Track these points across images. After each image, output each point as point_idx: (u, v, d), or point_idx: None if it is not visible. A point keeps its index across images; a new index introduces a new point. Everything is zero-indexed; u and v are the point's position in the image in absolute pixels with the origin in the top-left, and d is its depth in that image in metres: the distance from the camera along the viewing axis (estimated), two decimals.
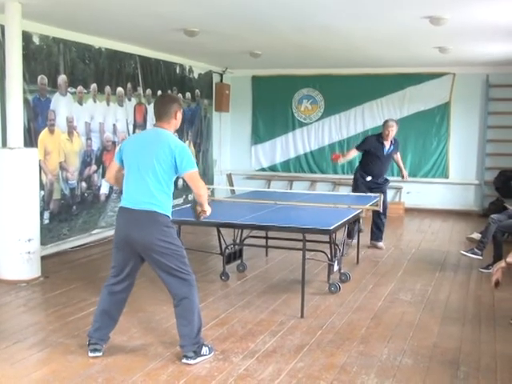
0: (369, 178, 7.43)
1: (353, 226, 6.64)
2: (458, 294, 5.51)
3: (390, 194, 10.42)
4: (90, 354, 3.85)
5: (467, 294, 5.55)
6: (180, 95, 9.51)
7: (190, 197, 8.78)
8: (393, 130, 7.28)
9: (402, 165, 7.84)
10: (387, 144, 7.35)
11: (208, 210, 3.98)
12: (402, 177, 7.79)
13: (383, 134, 7.31)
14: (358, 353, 4.01)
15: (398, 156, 7.73)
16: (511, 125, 9.84)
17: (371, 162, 7.41)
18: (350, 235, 6.46)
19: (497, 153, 10.01)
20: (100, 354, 3.86)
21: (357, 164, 10.85)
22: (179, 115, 3.89)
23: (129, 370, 3.66)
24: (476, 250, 6.83)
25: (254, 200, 6.10)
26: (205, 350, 3.85)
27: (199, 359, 3.80)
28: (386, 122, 7.38)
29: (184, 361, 3.79)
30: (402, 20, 6.00)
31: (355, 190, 7.48)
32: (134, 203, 3.72)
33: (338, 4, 5.40)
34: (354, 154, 7.80)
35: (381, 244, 7.48)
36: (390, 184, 10.53)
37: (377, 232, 7.49)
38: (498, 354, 4.03)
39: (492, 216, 6.65)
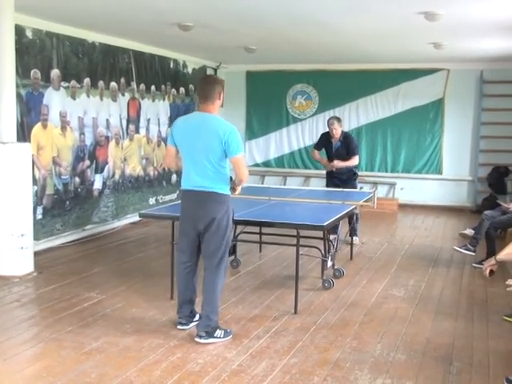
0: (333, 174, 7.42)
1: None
2: (450, 290, 5.53)
3: (383, 190, 10.51)
4: (177, 327, 4.23)
5: (460, 289, 5.58)
6: (173, 90, 9.49)
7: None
8: (335, 128, 7.22)
9: (344, 163, 7.25)
10: (334, 141, 7.34)
11: (238, 191, 4.21)
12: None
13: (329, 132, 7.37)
14: (351, 348, 4.02)
15: (352, 158, 7.25)
16: (505, 121, 9.85)
17: (328, 158, 7.47)
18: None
19: (490, 149, 10.02)
20: (185, 327, 4.21)
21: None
22: (222, 95, 4.08)
23: (122, 365, 3.65)
24: (469, 245, 6.88)
25: (247, 196, 6.08)
26: (219, 332, 4.04)
27: (211, 340, 4.02)
28: (328, 121, 7.45)
29: (196, 339, 4.03)
30: (397, 15, 5.99)
31: (326, 184, 7.56)
32: (195, 185, 4.03)
33: None
34: (318, 154, 7.66)
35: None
36: (384, 180, 10.62)
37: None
38: (490, 350, 4.05)
39: (485, 212, 6.69)
